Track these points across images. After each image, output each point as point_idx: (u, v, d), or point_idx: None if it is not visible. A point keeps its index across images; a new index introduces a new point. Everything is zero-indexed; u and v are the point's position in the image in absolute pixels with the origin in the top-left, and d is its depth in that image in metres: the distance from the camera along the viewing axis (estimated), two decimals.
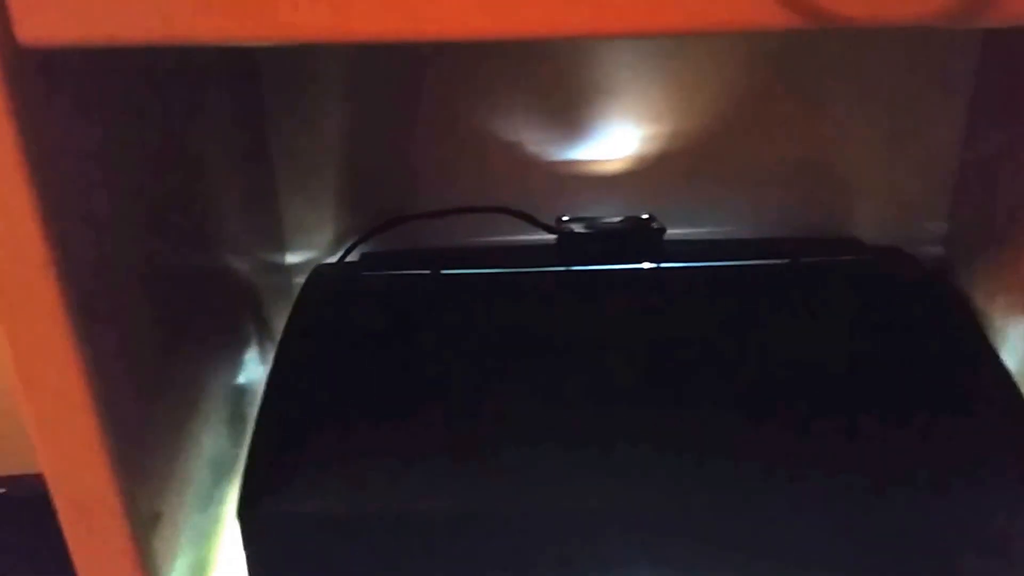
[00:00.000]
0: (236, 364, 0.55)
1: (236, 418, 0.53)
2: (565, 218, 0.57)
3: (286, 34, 0.26)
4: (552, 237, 0.57)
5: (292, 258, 0.64)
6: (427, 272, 0.54)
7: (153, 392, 0.41)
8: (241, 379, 0.55)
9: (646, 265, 0.54)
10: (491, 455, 0.42)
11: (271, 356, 0.54)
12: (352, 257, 0.60)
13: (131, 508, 0.36)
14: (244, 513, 0.41)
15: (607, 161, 0.61)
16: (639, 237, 0.54)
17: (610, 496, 0.41)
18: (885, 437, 0.43)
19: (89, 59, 0.33)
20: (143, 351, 0.40)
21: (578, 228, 0.55)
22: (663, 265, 0.53)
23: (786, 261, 0.54)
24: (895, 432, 0.43)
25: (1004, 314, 0.53)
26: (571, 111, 0.60)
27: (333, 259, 0.62)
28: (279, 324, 0.58)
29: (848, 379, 0.46)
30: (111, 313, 0.36)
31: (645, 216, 0.56)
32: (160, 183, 0.44)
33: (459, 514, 0.41)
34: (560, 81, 0.59)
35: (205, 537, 0.47)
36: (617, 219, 0.56)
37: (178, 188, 0.47)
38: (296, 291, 0.58)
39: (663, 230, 0.54)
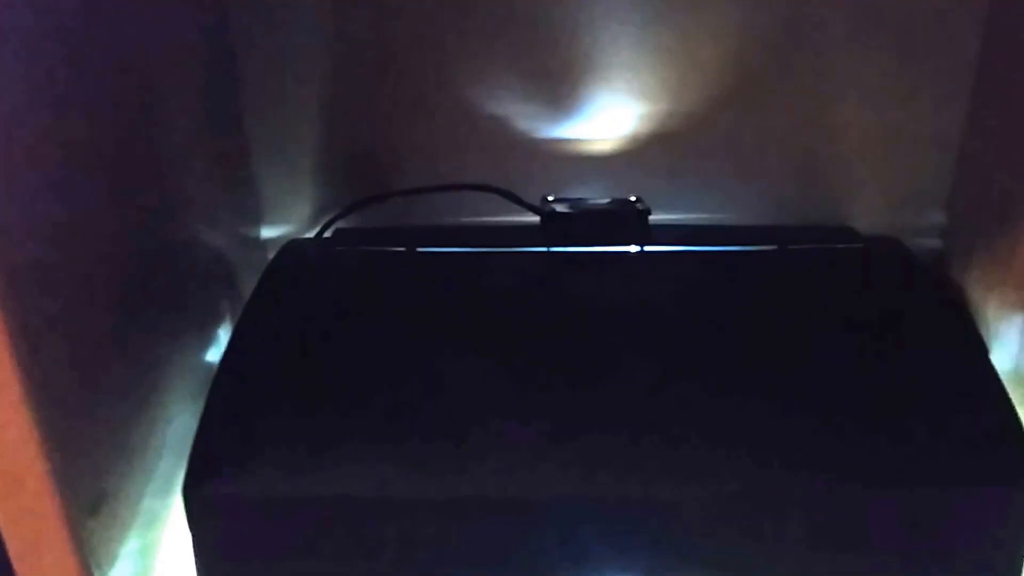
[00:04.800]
0: (205, 340, 0.53)
1: (203, 396, 0.51)
2: (550, 198, 0.54)
3: None
4: (536, 218, 0.54)
5: (268, 232, 0.62)
6: (402, 249, 0.52)
7: (104, 367, 0.39)
8: (210, 356, 0.54)
9: (631, 248, 0.52)
10: (454, 440, 0.40)
11: None
12: (329, 234, 0.58)
13: (68, 485, 0.34)
14: (189, 491, 0.39)
15: (597, 141, 0.59)
16: (624, 219, 0.52)
17: (584, 485, 0.39)
18: (864, 430, 0.41)
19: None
20: (94, 326, 0.39)
21: (563, 208, 0.53)
22: (648, 248, 0.51)
23: (773, 247, 0.52)
24: (874, 426, 0.41)
25: (999, 308, 0.52)
26: (560, 87, 0.58)
27: (311, 235, 0.60)
28: None
29: (829, 368, 0.44)
30: (52, 285, 0.35)
31: (632, 198, 0.54)
32: (124, 153, 0.42)
33: (418, 500, 0.39)
34: (549, 55, 0.57)
35: (161, 520, 0.45)
36: (604, 200, 0.54)
37: (145, 159, 0.45)
38: None
39: (648, 212, 0.52)
